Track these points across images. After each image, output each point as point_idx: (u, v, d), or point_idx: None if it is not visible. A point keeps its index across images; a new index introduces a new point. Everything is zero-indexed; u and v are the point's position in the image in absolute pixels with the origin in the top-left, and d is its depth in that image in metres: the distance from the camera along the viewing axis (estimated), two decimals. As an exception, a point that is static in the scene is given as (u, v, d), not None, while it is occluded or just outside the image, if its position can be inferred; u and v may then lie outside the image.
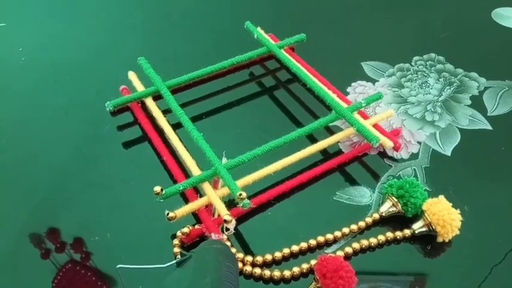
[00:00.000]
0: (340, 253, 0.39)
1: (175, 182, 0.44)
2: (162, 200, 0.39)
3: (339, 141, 0.48)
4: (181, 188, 0.41)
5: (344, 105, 0.49)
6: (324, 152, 0.47)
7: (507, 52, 0.60)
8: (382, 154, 0.47)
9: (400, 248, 0.40)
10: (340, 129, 0.49)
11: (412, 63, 0.58)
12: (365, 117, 0.49)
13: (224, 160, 0.43)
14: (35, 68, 0.60)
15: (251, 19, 0.59)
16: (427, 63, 0.58)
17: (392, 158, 0.47)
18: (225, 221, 0.38)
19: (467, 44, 0.62)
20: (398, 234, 0.40)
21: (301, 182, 0.44)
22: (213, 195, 0.41)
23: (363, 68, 0.58)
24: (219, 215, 0.40)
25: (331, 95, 0.50)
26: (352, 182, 0.45)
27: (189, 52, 0.61)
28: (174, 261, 0.34)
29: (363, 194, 0.44)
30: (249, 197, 0.40)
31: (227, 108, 0.53)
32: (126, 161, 0.48)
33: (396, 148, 0.46)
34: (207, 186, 0.42)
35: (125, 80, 0.54)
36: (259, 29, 0.58)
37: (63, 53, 0.62)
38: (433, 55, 0.59)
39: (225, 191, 0.42)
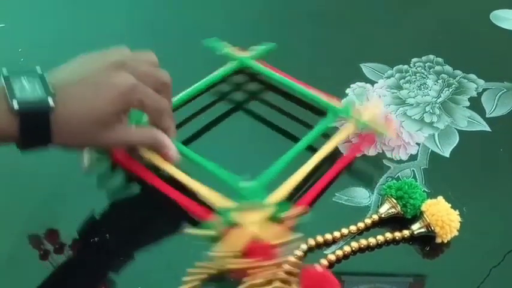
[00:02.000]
0: (331, 257, 0.39)
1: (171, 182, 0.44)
2: None
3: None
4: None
5: (338, 104, 0.49)
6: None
7: (506, 54, 0.61)
8: (381, 155, 0.48)
9: (398, 248, 0.40)
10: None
11: (411, 65, 0.59)
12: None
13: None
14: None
15: (249, 21, 0.59)
16: (426, 64, 0.59)
17: (391, 159, 0.47)
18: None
19: (465, 45, 0.62)
20: (397, 235, 0.40)
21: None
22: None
23: (362, 69, 0.58)
24: None
25: (324, 98, 0.50)
26: (351, 183, 0.45)
27: None
28: None
29: (362, 195, 0.44)
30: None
31: (205, 131, 0.51)
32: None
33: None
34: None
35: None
36: (225, 44, 0.55)
37: (62, 54, 0.62)
38: (431, 57, 0.60)
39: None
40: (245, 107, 0.54)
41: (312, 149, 0.46)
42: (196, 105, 0.53)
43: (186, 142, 0.48)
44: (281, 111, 0.53)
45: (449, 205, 0.40)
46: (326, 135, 0.49)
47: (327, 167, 0.45)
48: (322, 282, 0.35)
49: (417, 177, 0.45)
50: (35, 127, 0.35)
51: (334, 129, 0.49)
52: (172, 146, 0.42)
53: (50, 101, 0.35)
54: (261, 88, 0.56)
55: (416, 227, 0.40)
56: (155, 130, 0.42)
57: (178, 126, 0.49)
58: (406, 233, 0.40)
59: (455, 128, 0.51)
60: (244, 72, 0.56)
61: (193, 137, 0.50)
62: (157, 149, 0.42)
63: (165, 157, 0.42)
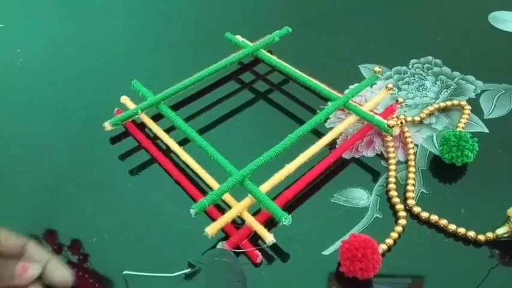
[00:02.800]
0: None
1: (170, 182, 0.45)
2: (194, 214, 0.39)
3: (338, 137, 0.49)
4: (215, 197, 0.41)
5: (340, 95, 0.51)
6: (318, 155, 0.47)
7: (504, 55, 0.61)
8: (380, 156, 0.48)
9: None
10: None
11: (410, 66, 0.59)
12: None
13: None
14: (33, 69, 0.60)
15: (246, 24, 0.60)
16: (424, 66, 0.59)
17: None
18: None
19: (464, 47, 0.62)
20: (481, 237, 0.40)
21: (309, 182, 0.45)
22: (252, 220, 0.40)
23: (361, 70, 0.58)
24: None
25: (325, 87, 0.52)
26: (350, 184, 0.45)
27: (176, 70, 0.59)
28: (183, 271, 0.34)
29: (360, 196, 0.44)
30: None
31: (224, 119, 0.53)
32: (123, 162, 0.48)
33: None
34: (232, 201, 0.42)
35: (124, 79, 0.54)
36: (238, 37, 0.59)
37: (61, 54, 0.63)
38: (430, 58, 0.60)
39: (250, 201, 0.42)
40: (263, 95, 0.56)
41: (309, 140, 0.46)
42: (215, 95, 0.56)
43: (208, 127, 0.51)
44: (290, 99, 0.55)
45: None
46: (322, 131, 0.49)
47: (321, 158, 0.46)
48: (364, 242, 0.36)
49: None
50: None
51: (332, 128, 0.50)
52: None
53: None
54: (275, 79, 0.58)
55: (502, 232, 0.40)
56: None
57: (191, 117, 0.53)
58: (489, 236, 0.40)
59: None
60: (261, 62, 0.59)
61: (206, 127, 0.52)
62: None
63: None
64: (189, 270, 0.34)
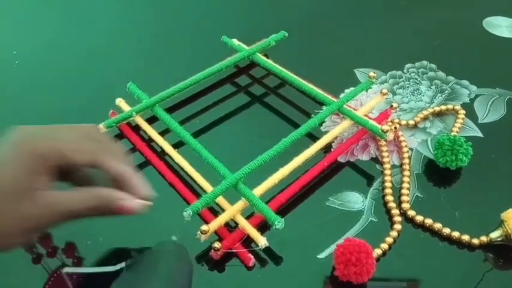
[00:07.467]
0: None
1: (163, 185, 0.45)
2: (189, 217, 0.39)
3: (333, 141, 0.49)
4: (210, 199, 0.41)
5: (335, 99, 0.51)
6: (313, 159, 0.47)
7: (498, 60, 0.61)
8: (375, 160, 0.48)
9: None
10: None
11: (405, 71, 0.59)
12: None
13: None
14: (28, 71, 0.60)
15: (242, 28, 0.60)
16: (419, 70, 0.59)
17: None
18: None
19: (458, 52, 0.62)
20: (475, 241, 0.40)
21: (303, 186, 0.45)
22: (245, 223, 0.40)
23: (356, 74, 0.58)
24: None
25: (320, 91, 0.52)
26: (345, 187, 0.45)
27: (172, 72, 0.59)
28: (123, 264, 0.34)
29: (355, 200, 0.44)
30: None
31: (219, 122, 0.53)
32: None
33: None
34: (225, 204, 0.42)
35: (119, 82, 0.54)
36: (235, 40, 0.59)
37: (57, 56, 0.62)
38: (425, 63, 0.60)
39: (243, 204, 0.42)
40: (258, 99, 0.56)
41: (304, 144, 0.46)
42: (211, 98, 0.55)
43: (201, 131, 0.52)
44: (286, 102, 0.55)
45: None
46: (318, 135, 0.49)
47: (316, 162, 0.46)
48: (358, 247, 0.37)
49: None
50: None
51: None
52: (126, 196, 0.33)
53: None
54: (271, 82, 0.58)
55: (496, 235, 0.40)
56: (97, 188, 0.33)
57: (187, 120, 0.53)
58: (483, 239, 0.40)
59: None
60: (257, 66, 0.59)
61: (201, 130, 0.52)
62: (109, 209, 0.32)
63: (122, 211, 0.33)
64: (128, 261, 0.34)
